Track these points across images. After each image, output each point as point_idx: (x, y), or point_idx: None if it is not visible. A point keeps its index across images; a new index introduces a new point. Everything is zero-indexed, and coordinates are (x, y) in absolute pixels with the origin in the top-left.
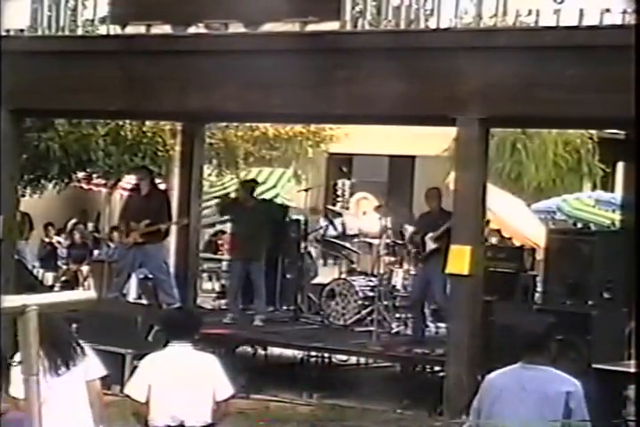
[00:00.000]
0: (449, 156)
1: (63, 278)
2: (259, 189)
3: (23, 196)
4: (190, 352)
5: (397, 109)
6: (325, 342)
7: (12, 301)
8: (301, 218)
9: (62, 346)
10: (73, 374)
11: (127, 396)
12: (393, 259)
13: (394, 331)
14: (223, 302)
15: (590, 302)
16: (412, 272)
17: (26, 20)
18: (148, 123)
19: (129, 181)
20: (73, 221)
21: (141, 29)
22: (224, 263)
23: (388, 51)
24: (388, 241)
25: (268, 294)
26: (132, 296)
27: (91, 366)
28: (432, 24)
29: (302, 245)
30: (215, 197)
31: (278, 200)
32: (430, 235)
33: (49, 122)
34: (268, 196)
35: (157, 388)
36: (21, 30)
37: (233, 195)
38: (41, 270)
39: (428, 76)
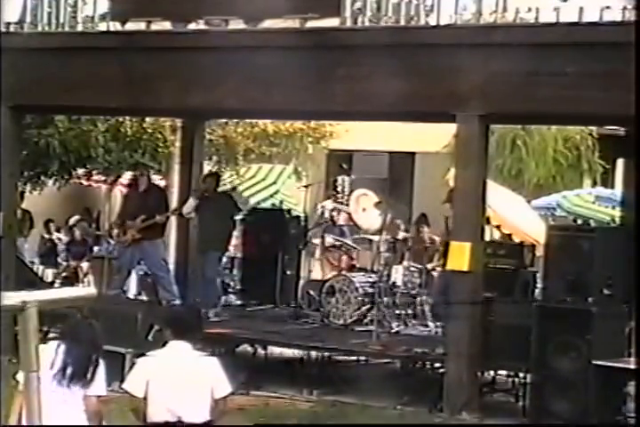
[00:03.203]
0: (449, 152)
1: (63, 275)
2: (259, 187)
3: (23, 192)
4: (189, 352)
5: (397, 106)
6: (325, 342)
7: (12, 297)
8: (301, 214)
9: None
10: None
11: (125, 391)
12: (393, 255)
13: (394, 330)
14: (223, 298)
15: (590, 299)
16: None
17: (16, 14)
18: (148, 119)
19: (128, 177)
20: (76, 217)
21: (141, 26)
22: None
23: (388, 47)
24: (387, 237)
25: (268, 291)
26: (131, 293)
27: (96, 382)
28: (432, 20)
29: (302, 241)
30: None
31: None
32: None
33: (49, 118)
34: (268, 192)
35: (155, 384)
36: (17, 23)
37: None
38: (41, 267)
39: (429, 73)
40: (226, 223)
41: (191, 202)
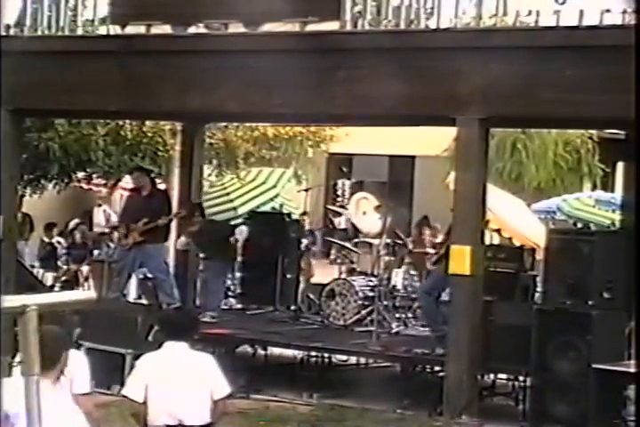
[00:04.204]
0: (449, 156)
1: (63, 278)
2: (259, 190)
3: (23, 196)
4: (187, 351)
5: (397, 109)
6: (325, 342)
7: (12, 301)
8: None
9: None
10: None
11: (125, 397)
12: (393, 259)
13: (394, 331)
14: (222, 301)
15: (590, 302)
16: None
17: (14, 15)
18: (148, 123)
19: (129, 181)
20: (75, 220)
21: (141, 29)
22: None
23: (388, 51)
24: (388, 241)
25: (268, 294)
26: (132, 296)
27: (79, 379)
28: (432, 24)
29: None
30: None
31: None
32: None
33: (49, 122)
34: (268, 196)
35: (155, 387)
36: (15, 25)
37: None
38: (41, 270)
39: (428, 76)
40: (224, 244)
41: (183, 239)
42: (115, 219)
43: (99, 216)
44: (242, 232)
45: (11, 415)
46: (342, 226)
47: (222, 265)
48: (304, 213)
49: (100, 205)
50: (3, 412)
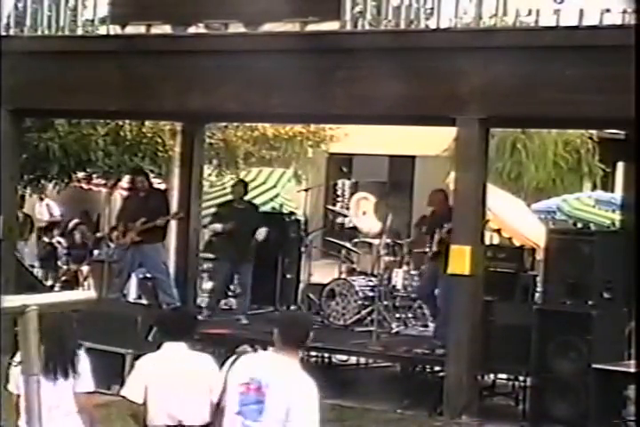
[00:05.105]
0: (449, 156)
1: (63, 278)
2: (259, 190)
3: (23, 196)
4: (185, 352)
5: (397, 109)
6: (325, 342)
7: (12, 301)
8: (301, 218)
9: (66, 353)
10: (65, 384)
11: (124, 397)
12: (393, 259)
13: (394, 331)
14: (222, 301)
15: (590, 302)
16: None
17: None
18: (147, 123)
19: (128, 181)
20: (75, 220)
21: (141, 29)
22: None
23: (388, 51)
24: (388, 241)
25: (268, 294)
26: (131, 296)
27: (82, 378)
28: (432, 24)
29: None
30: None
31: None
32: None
33: (49, 122)
34: (268, 196)
35: (154, 388)
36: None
37: (230, 197)
38: (41, 270)
39: (428, 76)
40: (251, 233)
41: (217, 226)
42: (57, 213)
43: (41, 210)
44: (261, 233)
45: (263, 384)
46: (342, 226)
47: (249, 267)
48: (293, 214)
49: (41, 200)
50: (255, 379)
